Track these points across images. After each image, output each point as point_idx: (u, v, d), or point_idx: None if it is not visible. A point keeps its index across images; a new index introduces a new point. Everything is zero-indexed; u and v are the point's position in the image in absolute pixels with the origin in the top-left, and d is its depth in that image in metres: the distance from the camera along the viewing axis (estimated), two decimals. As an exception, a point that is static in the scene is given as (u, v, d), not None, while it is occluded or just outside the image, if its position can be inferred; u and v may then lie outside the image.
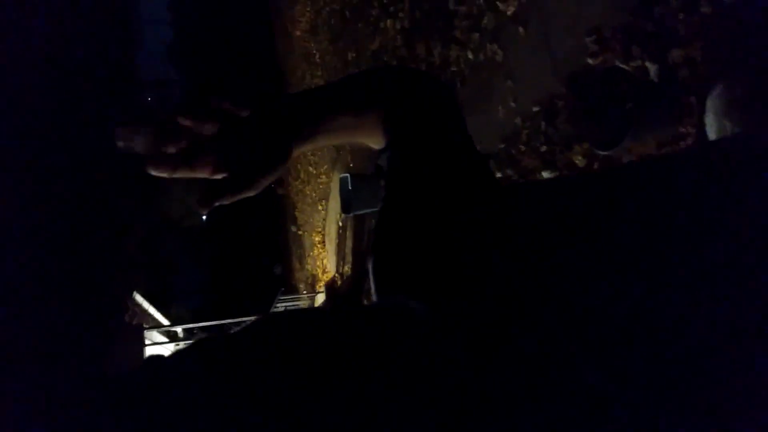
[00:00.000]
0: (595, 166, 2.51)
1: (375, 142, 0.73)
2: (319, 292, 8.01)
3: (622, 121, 2.10)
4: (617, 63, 2.37)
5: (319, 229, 8.80)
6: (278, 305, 7.86)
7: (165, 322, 8.63)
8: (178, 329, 7.98)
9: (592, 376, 0.47)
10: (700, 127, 2.03)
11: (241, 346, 0.47)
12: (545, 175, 2.90)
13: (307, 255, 9.91)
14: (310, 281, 9.35)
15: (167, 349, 7.55)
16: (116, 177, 9.26)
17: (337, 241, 7.33)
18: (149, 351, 6.59)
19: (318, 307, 0.54)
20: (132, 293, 7.63)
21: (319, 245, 8.79)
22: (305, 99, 0.69)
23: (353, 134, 0.72)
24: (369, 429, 0.43)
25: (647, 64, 2.25)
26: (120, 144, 0.56)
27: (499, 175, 3.46)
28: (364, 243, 6.36)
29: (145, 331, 6.29)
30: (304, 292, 9.56)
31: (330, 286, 7.34)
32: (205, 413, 0.42)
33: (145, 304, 8.13)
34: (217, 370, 0.46)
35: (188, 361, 0.48)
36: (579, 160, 2.63)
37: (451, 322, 0.54)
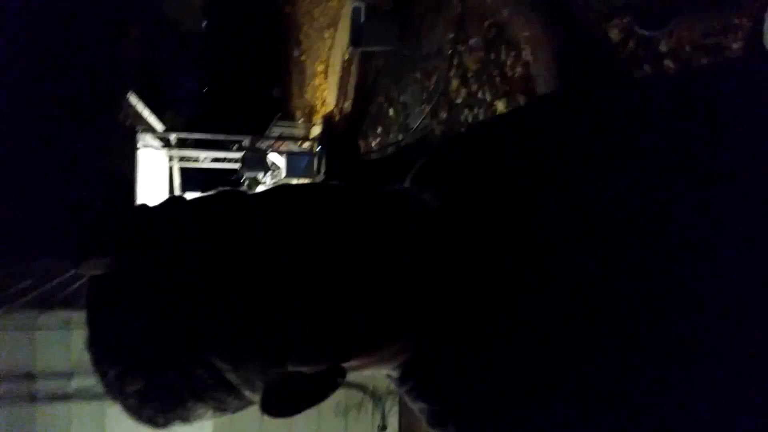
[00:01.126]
0: (630, 44, 2.36)
1: None
2: (315, 124, 7.94)
3: (672, 1, 1.94)
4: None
5: (323, 59, 8.46)
6: (274, 130, 7.82)
7: (159, 127, 8.58)
8: (172, 136, 7.97)
9: (593, 263, 0.48)
10: (756, 21, 1.88)
11: (257, 206, 0.51)
12: (575, 44, 2.74)
13: (307, 83, 9.64)
14: (307, 111, 9.21)
15: (160, 154, 7.61)
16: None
17: (340, 74, 7.09)
18: (142, 153, 6.64)
19: (333, 185, 0.55)
20: (127, 93, 7.46)
21: (320, 75, 8.51)
22: None
23: None
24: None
25: (718, -63, 2.02)
26: None
27: (525, 34, 3.26)
28: (368, 81, 6.17)
29: (138, 134, 6.27)
30: (301, 120, 9.47)
31: (327, 120, 7.26)
32: (214, 253, 0.48)
33: (140, 106, 8.00)
34: (236, 220, 0.50)
35: (212, 206, 0.51)
36: (614, 35, 2.48)
37: (461, 216, 0.56)
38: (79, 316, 3.15)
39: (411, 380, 0.54)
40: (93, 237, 0.48)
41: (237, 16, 17.84)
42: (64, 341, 3.01)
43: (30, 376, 2.99)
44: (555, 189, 0.54)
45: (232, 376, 0.49)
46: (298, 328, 0.49)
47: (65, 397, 2.97)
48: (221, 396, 0.50)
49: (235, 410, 0.53)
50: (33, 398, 2.98)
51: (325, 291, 0.49)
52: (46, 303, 3.16)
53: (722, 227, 0.48)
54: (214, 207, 0.51)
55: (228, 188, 0.54)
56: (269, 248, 0.48)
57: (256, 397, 0.52)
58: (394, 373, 0.56)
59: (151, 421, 0.50)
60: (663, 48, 2.14)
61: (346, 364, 0.53)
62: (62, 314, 3.06)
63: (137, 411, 0.50)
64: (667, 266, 0.47)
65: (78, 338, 3.42)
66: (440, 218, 0.56)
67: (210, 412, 0.51)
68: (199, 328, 0.47)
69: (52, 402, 2.99)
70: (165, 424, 0.51)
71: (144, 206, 0.52)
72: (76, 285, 3.72)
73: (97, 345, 0.50)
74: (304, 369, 0.51)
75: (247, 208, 0.51)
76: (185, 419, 0.51)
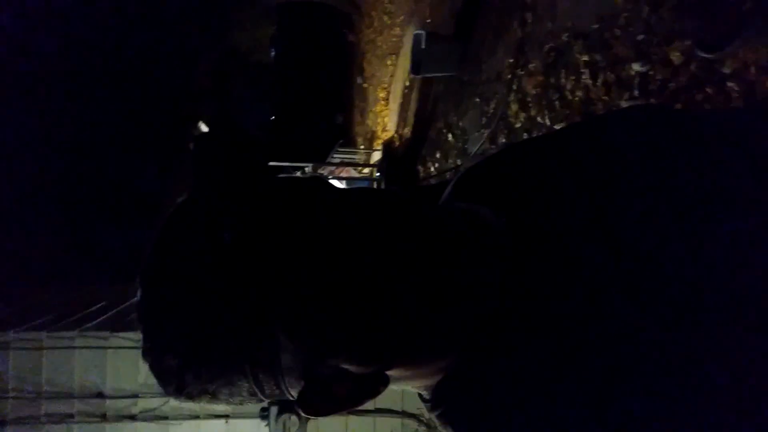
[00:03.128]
0: (693, 67, 2.27)
1: None
2: (376, 150, 8.04)
3: (734, 22, 1.86)
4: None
5: (385, 85, 8.60)
6: (335, 156, 7.98)
7: (227, 155, 8.92)
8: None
9: (646, 314, 0.48)
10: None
11: (342, 202, 0.52)
12: (635, 67, 2.66)
13: (369, 109, 9.82)
14: (368, 136, 9.36)
15: (227, 181, 7.89)
16: (191, 8, 9.12)
17: (401, 100, 7.18)
18: (211, 180, 6.92)
19: (406, 193, 0.57)
20: (198, 123, 7.84)
21: (382, 102, 8.65)
22: None
23: None
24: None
25: (786, -45, 1.92)
26: None
27: (585, 58, 3.20)
28: (428, 107, 6.21)
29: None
30: (362, 146, 9.62)
31: (387, 146, 7.34)
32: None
33: (210, 135, 8.38)
34: (320, 211, 0.51)
35: (316, 185, 0.54)
36: (676, 57, 2.39)
37: (520, 237, 0.55)
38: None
39: (443, 405, 0.54)
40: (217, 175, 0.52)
41: (304, 46, 18.46)
42: (132, 362, 3.16)
43: (100, 395, 3.16)
44: (612, 222, 0.53)
45: (286, 357, 0.49)
46: (362, 323, 0.49)
47: (131, 417, 3.11)
48: (266, 378, 0.51)
49: (267, 397, 0.54)
50: (103, 417, 3.14)
51: (393, 296, 0.49)
52: (118, 324, 3.33)
53: (754, 263, 0.48)
54: (303, 190, 0.53)
55: (317, 175, 0.56)
56: (348, 242, 0.49)
57: (293, 392, 0.52)
58: (426, 394, 0.57)
59: (191, 393, 0.51)
60: (726, 70, 2.05)
61: (389, 372, 0.53)
62: (132, 336, 3.22)
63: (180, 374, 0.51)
64: (711, 315, 0.47)
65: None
66: (507, 238, 0.56)
67: (245, 392, 0.52)
68: (272, 297, 0.48)
69: (120, 421, 3.13)
70: (212, 396, 0.52)
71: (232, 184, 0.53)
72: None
73: (153, 342, 0.52)
74: (352, 367, 0.51)
75: (332, 201, 0.52)
76: (229, 395, 0.52)
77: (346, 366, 0.51)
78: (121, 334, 3.21)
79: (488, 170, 0.66)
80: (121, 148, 6.42)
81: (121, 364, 3.17)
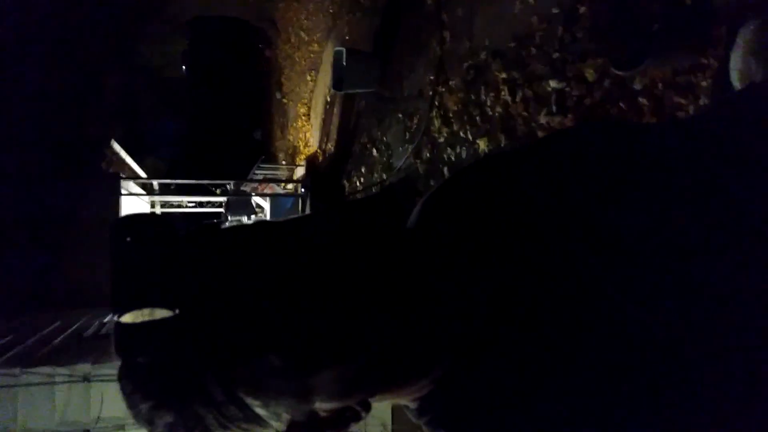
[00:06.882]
0: (606, 83, 2.44)
1: None
2: (299, 165, 7.98)
3: (645, 42, 2.02)
4: (652, -24, 2.22)
5: (305, 101, 8.57)
6: (257, 172, 7.84)
7: (142, 173, 8.55)
8: (155, 182, 7.95)
9: (634, 307, 0.50)
10: (724, 60, 1.97)
11: (290, 234, 0.52)
12: (552, 84, 2.82)
13: (290, 125, 9.74)
14: (290, 152, 9.28)
15: (143, 201, 7.57)
16: (94, 22, 8.69)
17: (323, 116, 7.18)
18: (125, 200, 6.59)
19: (366, 218, 0.58)
20: (109, 141, 7.46)
21: (303, 117, 8.61)
22: None
23: None
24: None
25: (684, -18, 2.12)
26: None
27: (503, 75, 3.36)
28: (351, 123, 6.25)
29: (121, 181, 6.24)
30: (283, 162, 9.51)
31: (311, 161, 7.31)
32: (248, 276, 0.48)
33: (123, 153, 7.99)
34: (268, 254, 0.50)
35: (242, 239, 0.52)
36: (590, 74, 2.56)
37: (487, 256, 0.56)
38: (62, 372, 3.07)
39: (430, 412, 0.55)
40: (136, 286, 0.48)
41: (217, 62, 18.07)
42: (47, 399, 2.93)
43: (11, 437, 2.89)
44: (581, 228, 0.55)
45: (261, 411, 0.49)
46: (328, 370, 0.49)
47: (49, 458, 2.87)
48: (249, 427, 0.50)
49: None
50: (15, 460, 2.88)
51: (356, 335, 0.49)
52: (29, 360, 3.08)
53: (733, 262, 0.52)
54: (246, 243, 0.52)
55: (264, 219, 0.54)
56: (299, 289, 0.48)
57: (282, 426, 0.52)
58: (412, 405, 0.57)
59: None
60: (637, 86, 2.22)
61: (371, 399, 0.53)
62: (46, 371, 2.99)
63: None
64: (697, 306, 0.49)
65: (61, 395, 3.34)
66: (466, 257, 0.56)
67: None
68: (230, 367, 0.47)
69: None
70: None
71: (175, 245, 0.51)
72: (59, 339, 3.64)
73: (128, 378, 0.50)
74: (332, 405, 0.51)
75: (279, 244, 0.51)
76: None
77: (326, 406, 0.51)
78: (34, 370, 2.97)
79: (448, 190, 0.67)
80: (25, 171, 5.98)
81: (34, 401, 2.92)
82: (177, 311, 0.47)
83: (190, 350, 0.47)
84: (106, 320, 4.09)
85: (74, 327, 3.97)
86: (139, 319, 0.47)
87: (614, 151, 0.62)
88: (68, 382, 3.02)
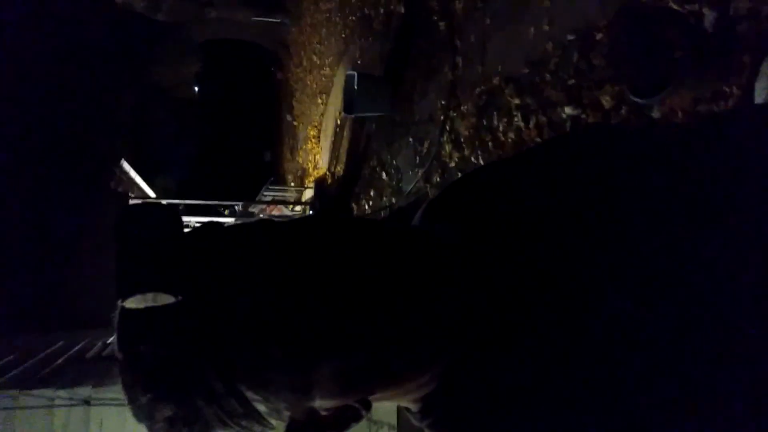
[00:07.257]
0: (623, 111, 2.40)
1: None
2: (308, 187, 7.97)
3: (665, 70, 1.98)
4: (671, 4, 2.19)
5: (316, 123, 8.61)
6: (266, 194, 7.83)
7: (151, 193, 8.58)
8: (163, 203, 7.95)
9: (629, 303, 0.49)
10: (747, 90, 1.92)
11: (292, 230, 0.52)
12: (567, 110, 2.78)
13: (299, 147, 9.77)
14: (299, 174, 9.29)
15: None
16: (108, 43, 8.83)
17: (332, 138, 7.19)
18: (132, 220, 6.60)
19: (362, 221, 0.57)
20: (119, 160, 7.49)
21: (313, 140, 8.64)
22: None
23: None
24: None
25: (705, 10, 2.08)
26: None
27: (517, 101, 3.32)
28: (361, 146, 6.24)
29: (130, 201, 6.24)
30: (292, 184, 9.52)
31: (320, 184, 7.30)
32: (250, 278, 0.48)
33: (132, 173, 8.03)
34: (270, 252, 0.50)
35: (252, 232, 0.52)
36: (606, 101, 2.51)
37: (482, 256, 0.56)
38: (62, 395, 3.01)
39: (432, 415, 0.55)
40: (140, 271, 0.48)
41: (229, 83, 18.32)
42: (46, 422, 2.86)
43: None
44: (576, 227, 0.55)
45: (261, 406, 0.49)
46: (328, 364, 0.48)
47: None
48: (249, 423, 0.50)
49: None
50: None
51: (356, 329, 0.49)
52: (28, 381, 3.02)
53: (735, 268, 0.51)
54: (249, 238, 0.52)
55: (266, 218, 0.54)
56: (301, 283, 0.48)
57: (283, 423, 0.52)
58: (414, 407, 0.56)
59: None
60: (655, 114, 2.17)
61: (371, 397, 0.53)
62: (46, 393, 2.92)
63: None
64: (698, 306, 0.49)
65: (60, 419, 3.26)
66: (464, 253, 0.56)
67: None
68: (231, 359, 0.47)
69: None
70: None
71: (182, 237, 0.51)
72: (61, 360, 3.58)
73: (129, 371, 0.50)
74: (332, 403, 0.51)
75: (282, 239, 0.51)
76: None
77: (326, 404, 0.51)
78: (34, 392, 2.91)
79: (451, 193, 0.68)
80: (31, 191, 6.00)
81: (33, 427, 2.86)
82: (180, 298, 0.47)
83: (192, 338, 0.47)
84: (109, 341, 4.04)
85: (76, 348, 3.92)
86: (143, 305, 0.47)
87: (615, 151, 0.62)
88: (68, 405, 2.96)
